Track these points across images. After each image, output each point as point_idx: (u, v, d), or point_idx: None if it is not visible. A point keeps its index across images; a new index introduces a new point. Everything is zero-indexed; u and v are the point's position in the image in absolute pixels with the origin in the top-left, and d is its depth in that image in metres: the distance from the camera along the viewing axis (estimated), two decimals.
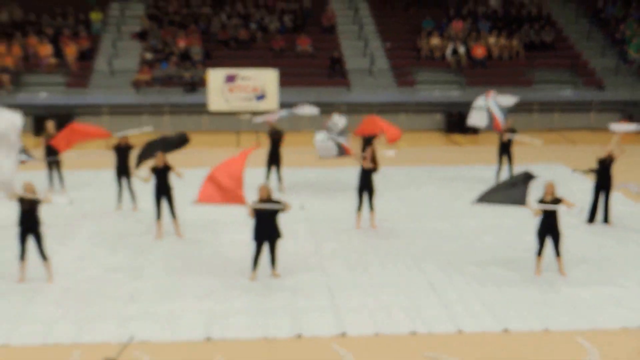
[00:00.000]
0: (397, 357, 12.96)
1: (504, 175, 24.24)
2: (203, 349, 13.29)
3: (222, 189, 16.25)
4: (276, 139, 23.84)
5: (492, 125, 24.68)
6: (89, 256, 18.07)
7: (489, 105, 24.94)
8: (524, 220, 20.05)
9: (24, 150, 22.41)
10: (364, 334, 13.87)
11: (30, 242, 16.17)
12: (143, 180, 19.46)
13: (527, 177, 16.86)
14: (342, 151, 22.46)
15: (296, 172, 25.24)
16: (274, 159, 23.85)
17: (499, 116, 24.67)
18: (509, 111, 25.11)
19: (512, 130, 24.46)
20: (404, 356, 13.00)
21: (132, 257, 18.08)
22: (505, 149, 24.62)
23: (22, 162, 21.38)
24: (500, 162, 24.58)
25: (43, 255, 16.21)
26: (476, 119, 25.49)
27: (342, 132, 23.12)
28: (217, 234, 19.63)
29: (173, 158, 20.00)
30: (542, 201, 16.46)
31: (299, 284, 16.23)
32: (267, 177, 23.84)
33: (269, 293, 15.74)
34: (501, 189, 17.14)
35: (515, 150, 24.74)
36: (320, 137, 22.62)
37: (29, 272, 16.34)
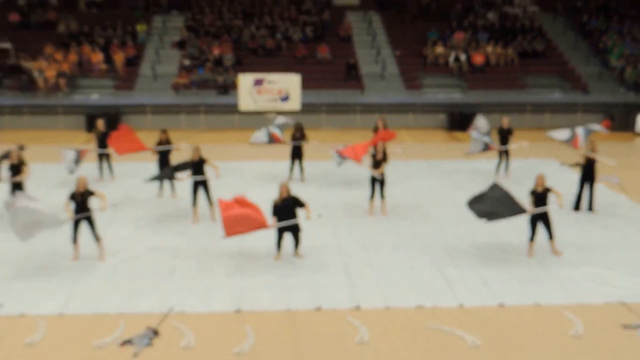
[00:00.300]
0: (405, 328, 12.89)
1: (503, 168, 24.26)
2: (233, 319, 13.26)
3: (244, 219, 16.11)
4: (299, 136, 23.75)
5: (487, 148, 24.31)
6: (133, 237, 18.07)
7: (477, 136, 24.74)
8: None
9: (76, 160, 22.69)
10: (376, 307, 13.81)
11: (83, 227, 16.23)
12: (185, 178, 19.41)
13: (498, 189, 16.63)
14: (272, 140, 24.22)
15: (316, 164, 25.09)
16: (296, 153, 23.77)
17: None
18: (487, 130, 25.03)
19: (509, 131, 24.25)
20: (411, 327, 12.92)
21: (171, 238, 18.06)
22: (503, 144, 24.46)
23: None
24: (500, 157, 24.41)
25: (96, 237, 16.27)
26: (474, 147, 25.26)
27: (280, 127, 24.67)
28: None
29: (209, 153, 20.00)
30: (533, 192, 16.34)
31: (318, 263, 16.20)
32: (291, 169, 23.80)
33: (292, 271, 15.72)
34: (492, 203, 16.78)
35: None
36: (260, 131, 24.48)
37: (81, 252, 16.41)
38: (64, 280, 15.13)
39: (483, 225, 18.92)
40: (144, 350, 11.96)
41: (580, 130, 22.75)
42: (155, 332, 12.56)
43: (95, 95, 37.46)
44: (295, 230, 16.27)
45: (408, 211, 20.37)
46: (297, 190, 17.19)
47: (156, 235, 18.29)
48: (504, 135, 24.13)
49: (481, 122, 24.28)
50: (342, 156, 22.15)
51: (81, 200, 15.96)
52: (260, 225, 16.00)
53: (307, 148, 24.15)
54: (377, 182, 19.90)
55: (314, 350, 12.04)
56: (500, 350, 12.05)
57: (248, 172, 24.63)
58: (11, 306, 13.73)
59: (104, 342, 12.20)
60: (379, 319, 13.26)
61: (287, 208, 16.02)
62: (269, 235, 17.60)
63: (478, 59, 39.97)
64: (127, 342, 12.20)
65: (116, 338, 12.36)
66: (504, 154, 24.28)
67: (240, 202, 16.27)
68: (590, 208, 20.46)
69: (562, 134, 23.64)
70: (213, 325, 13.01)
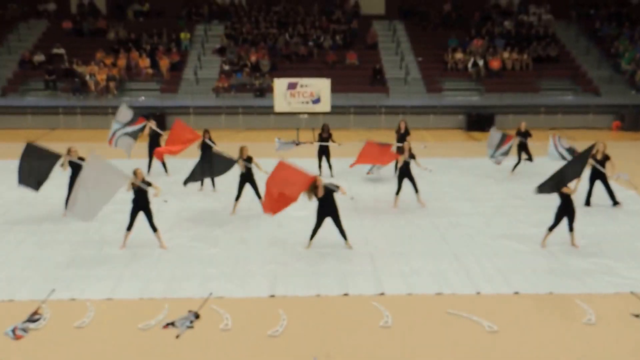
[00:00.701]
0: (426, 313, 12.83)
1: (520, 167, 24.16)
2: (267, 304, 13.26)
3: (281, 197, 16.37)
4: (325, 136, 23.72)
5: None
6: (177, 227, 18.12)
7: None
8: (531, 201, 19.87)
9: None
10: (399, 293, 13.76)
11: (140, 217, 16.24)
12: (242, 169, 19.31)
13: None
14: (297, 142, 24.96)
15: (343, 161, 25.01)
16: (323, 152, 23.79)
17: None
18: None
19: (527, 134, 24.09)
20: (431, 312, 12.87)
21: (211, 228, 18.11)
22: (522, 147, 24.29)
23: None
24: (519, 155, 24.33)
25: (153, 228, 16.31)
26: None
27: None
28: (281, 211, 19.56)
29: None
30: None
31: (346, 252, 16.15)
32: (320, 166, 23.81)
33: (321, 259, 15.68)
34: (556, 175, 16.69)
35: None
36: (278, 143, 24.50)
37: (143, 241, 16.57)
38: (112, 267, 15.20)
39: (499, 217, 18.93)
40: (186, 332, 12.00)
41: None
42: (197, 315, 12.58)
43: (142, 98, 37.64)
44: (334, 213, 16.20)
45: (429, 204, 20.26)
46: None
47: (198, 226, 18.32)
48: (523, 138, 24.04)
49: (494, 136, 24.11)
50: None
51: (138, 192, 15.99)
52: (298, 192, 16.31)
53: (333, 146, 24.14)
54: (406, 178, 19.87)
55: (341, 332, 12.01)
56: (515, 335, 11.96)
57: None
58: (62, 291, 13.79)
59: (148, 325, 12.24)
60: (401, 305, 13.20)
61: (327, 192, 16.02)
62: (300, 224, 17.65)
63: (495, 64, 39.77)
64: (170, 324, 12.23)
65: (160, 321, 12.41)
66: (524, 154, 24.14)
67: (281, 175, 16.53)
68: (615, 202, 20.23)
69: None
70: (249, 309, 13.01)
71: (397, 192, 20.03)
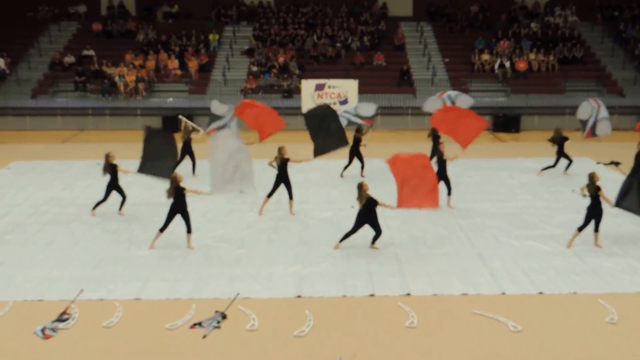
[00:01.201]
0: (451, 313, 12.82)
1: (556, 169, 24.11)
2: (294, 304, 13.28)
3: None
4: (357, 137, 23.74)
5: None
6: (204, 228, 18.11)
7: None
8: (555, 202, 19.78)
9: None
10: (424, 294, 13.75)
11: (176, 219, 16.28)
12: (274, 167, 19.25)
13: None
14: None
15: (373, 161, 24.96)
16: (354, 151, 23.79)
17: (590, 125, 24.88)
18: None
19: (565, 138, 24.01)
20: (457, 313, 12.85)
21: (238, 229, 18.13)
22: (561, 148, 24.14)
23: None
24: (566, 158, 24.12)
25: (189, 229, 16.36)
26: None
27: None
28: (307, 212, 19.56)
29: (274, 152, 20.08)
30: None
31: (372, 253, 16.15)
32: (346, 166, 23.85)
33: (348, 260, 15.69)
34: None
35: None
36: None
37: (170, 242, 16.63)
38: (140, 267, 15.27)
39: (522, 218, 18.84)
40: (213, 332, 12.04)
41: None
42: (224, 316, 12.62)
43: (171, 99, 37.79)
44: (376, 224, 16.23)
45: (455, 205, 20.21)
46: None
47: (224, 227, 18.35)
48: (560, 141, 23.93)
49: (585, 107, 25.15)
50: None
51: (177, 194, 16.03)
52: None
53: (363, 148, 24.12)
54: (442, 180, 19.71)
55: (367, 333, 12.01)
56: (540, 334, 11.92)
57: (309, 169, 24.52)
58: (91, 291, 13.85)
59: (175, 325, 12.30)
60: (427, 305, 13.19)
61: (370, 204, 16.05)
62: (326, 225, 17.69)
63: (521, 65, 39.60)
64: (198, 324, 12.27)
65: (187, 321, 12.45)
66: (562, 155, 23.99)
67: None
68: None
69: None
70: (276, 309, 13.04)
71: None
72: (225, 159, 17.26)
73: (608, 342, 11.66)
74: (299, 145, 23.72)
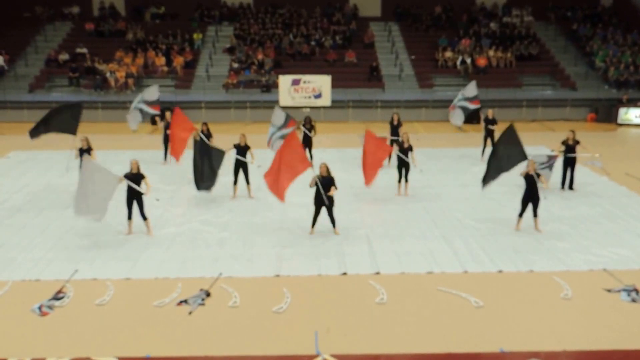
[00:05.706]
0: (417, 291, 12.83)
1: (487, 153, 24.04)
2: (273, 283, 13.25)
3: (282, 179, 16.44)
4: (308, 127, 23.45)
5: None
6: (188, 213, 18.08)
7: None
8: (512, 188, 19.80)
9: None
10: (393, 272, 13.74)
11: (134, 206, 16.14)
12: (228, 152, 19.17)
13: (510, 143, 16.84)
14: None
15: (344, 151, 24.93)
16: (305, 142, 22.99)
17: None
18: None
19: (494, 121, 24.11)
20: (423, 289, 12.86)
21: (221, 214, 18.07)
22: (489, 134, 24.32)
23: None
24: (485, 143, 24.49)
25: (143, 216, 16.14)
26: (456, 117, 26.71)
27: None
28: (286, 197, 19.42)
29: (254, 142, 19.95)
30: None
31: (345, 235, 16.14)
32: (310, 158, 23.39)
33: (322, 242, 15.67)
34: (494, 165, 16.87)
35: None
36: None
37: (142, 226, 16.42)
38: (130, 249, 15.19)
39: (483, 202, 18.88)
40: (198, 309, 11.98)
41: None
42: (208, 294, 12.56)
43: (158, 93, 37.46)
44: (330, 205, 16.11)
45: (421, 191, 20.23)
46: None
47: (208, 212, 18.28)
48: (489, 124, 24.17)
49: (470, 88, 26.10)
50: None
51: (133, 181, 15.85)
52: (297, 172, 16.41)
53: (315, 138, 24.07)
54: (404, 167, 19.77)
55: (340, 308, 11.99)
56: (500, 309, 11.95)
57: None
58: (85, 271, 13.80)
59: (163, 302, 12.23)
60: (395, 283, 13.19)
61: (324, 184, 15.90)
62: (303, 210, 17.62)
63: (481, 62, 39.62)
64: (184, 302, 12.21)
65: (174, 298, 12.39)
66: (490, 140, 24.10)
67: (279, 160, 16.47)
68: (571, 187, 20.33)
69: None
70: (256, 287, 13.01)
71: (399, 180, 19.93)
72: (91, 186, 16.09)
73: (563, 316, 11.71)
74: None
